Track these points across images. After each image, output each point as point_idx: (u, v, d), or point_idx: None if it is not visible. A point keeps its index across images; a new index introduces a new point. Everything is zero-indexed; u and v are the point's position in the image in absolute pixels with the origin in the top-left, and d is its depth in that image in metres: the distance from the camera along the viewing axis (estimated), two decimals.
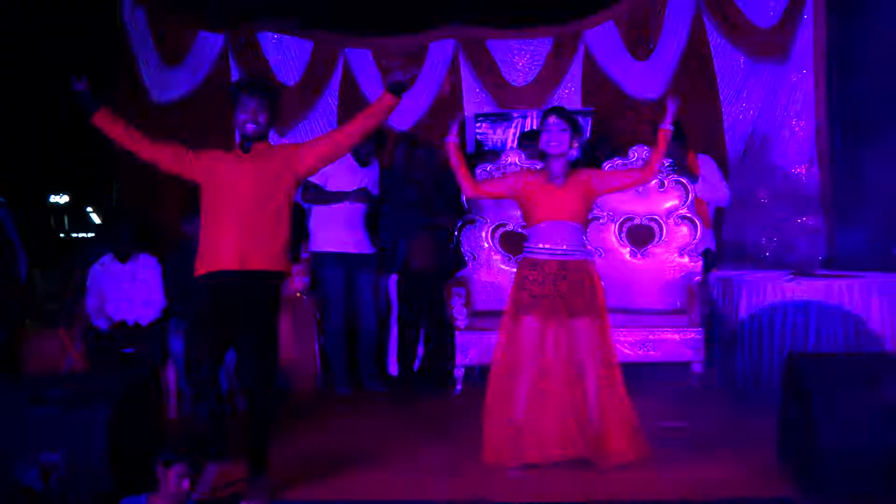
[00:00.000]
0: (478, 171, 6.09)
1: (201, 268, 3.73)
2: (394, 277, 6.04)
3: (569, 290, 3.97)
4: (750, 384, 4.91)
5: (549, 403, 3.95)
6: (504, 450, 3.92)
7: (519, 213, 4.43)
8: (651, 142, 4.27)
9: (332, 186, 5.78)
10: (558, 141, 4.03)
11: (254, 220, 3.72)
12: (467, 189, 4.37)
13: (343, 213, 5.79)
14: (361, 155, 5.82)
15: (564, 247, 4.01)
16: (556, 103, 7.40)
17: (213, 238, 3.73)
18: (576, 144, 4.07)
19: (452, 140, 4.23)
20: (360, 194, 5.79)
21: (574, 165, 4.13)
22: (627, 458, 3.89)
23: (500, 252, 6.05)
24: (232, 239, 3.68)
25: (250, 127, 3.74)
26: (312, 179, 5.62)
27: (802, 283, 4.85)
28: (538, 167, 4.37)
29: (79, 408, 3.53)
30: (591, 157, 7.02)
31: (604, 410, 3.92)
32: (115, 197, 7.56)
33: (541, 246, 4.04)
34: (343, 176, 5.77)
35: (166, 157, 3.79)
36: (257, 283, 3.71)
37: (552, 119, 4.09)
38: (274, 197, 3.76)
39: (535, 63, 7.52)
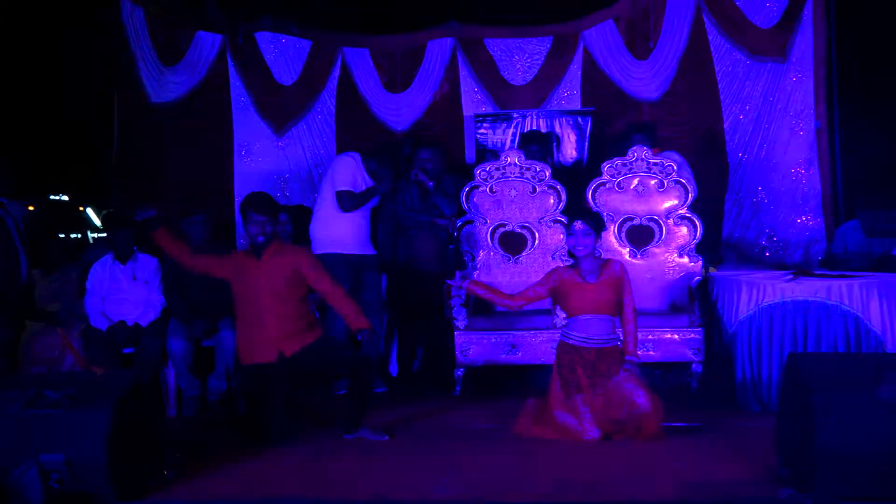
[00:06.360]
0: (477, 171, 6.09)
1: (246, 359, 4.54)
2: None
3: (606, 369, 4.43)
4: (749, 384, 4.91)
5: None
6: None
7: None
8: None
9: (362, 188, 5.85)
10: (584, 245, 4.52)
11: (277, 317, 4.44)
12: (513, 305, 4.75)
13: (347, 215, 5.80)
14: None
15: (600, 337, 4.49)
16: (555, 103, 7.42)
17: (248, 334, 4.53)
18: (600, 242, 4.60)
19: (468, 286, 4.75)
20: (384, 181, 5.92)
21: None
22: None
23: (500, 252, 6.05)
24: (265, 335, 4.45)
25: (261, 239, 4.44)
26: (342, 188, 5.73)
27: (802, 283, 4.84)
28: (570, 263, 4.72)
29: (79, 408, 3.53)
30: (592, 157, 7.06)
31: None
32: (114, 197, 7.55)
33: (580, 336, 4.50)
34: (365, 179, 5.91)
35: (209, 266, 4.63)
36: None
37: (578, 225, 4.52)
38: (291, 291, 4.48)
39: (535, 62, 7.52)
